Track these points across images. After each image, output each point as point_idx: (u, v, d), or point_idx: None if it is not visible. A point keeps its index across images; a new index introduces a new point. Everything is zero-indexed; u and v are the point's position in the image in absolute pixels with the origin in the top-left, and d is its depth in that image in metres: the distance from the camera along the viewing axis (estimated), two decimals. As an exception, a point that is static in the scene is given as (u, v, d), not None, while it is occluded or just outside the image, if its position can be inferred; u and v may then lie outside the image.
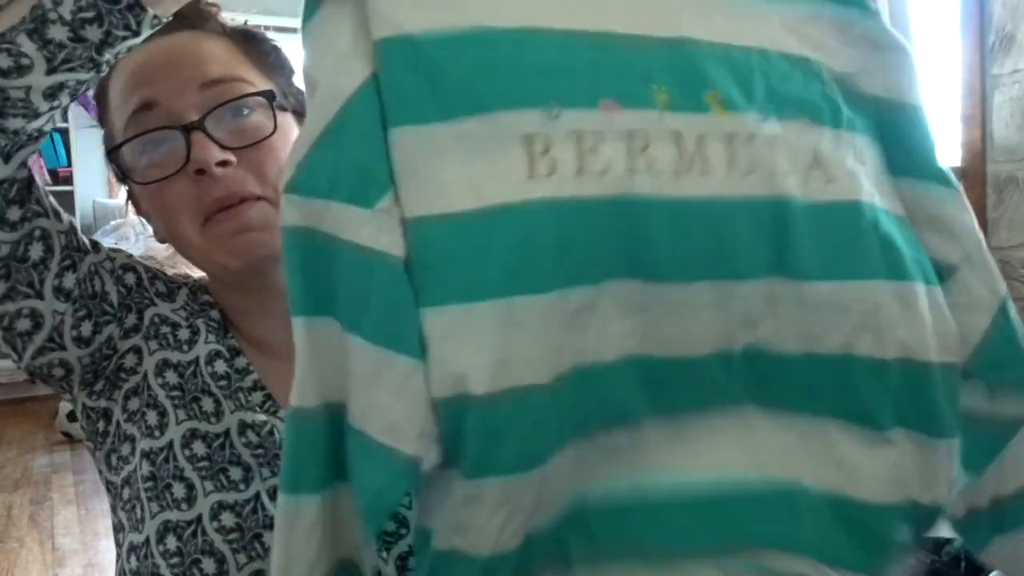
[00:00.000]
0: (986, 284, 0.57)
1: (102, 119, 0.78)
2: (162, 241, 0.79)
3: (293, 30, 0.51)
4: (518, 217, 0.46)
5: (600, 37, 0.51)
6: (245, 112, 0.72)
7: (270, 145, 0.71)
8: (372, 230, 0.46)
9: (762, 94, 0.53)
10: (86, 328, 0.70)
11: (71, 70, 0.54)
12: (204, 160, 0.68)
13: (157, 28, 0.58)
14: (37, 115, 0.57)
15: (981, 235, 0.58)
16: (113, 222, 3.78)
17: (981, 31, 2.92)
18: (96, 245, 0.74)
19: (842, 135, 0.55)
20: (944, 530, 0.62)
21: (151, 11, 0.54)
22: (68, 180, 3.96)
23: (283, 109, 0.75)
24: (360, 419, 0.46)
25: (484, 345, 0.45)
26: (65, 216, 0.70)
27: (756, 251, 0.51)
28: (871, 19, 0.59)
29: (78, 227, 0.72)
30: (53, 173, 3.96)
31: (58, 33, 0.52)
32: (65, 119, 3.91)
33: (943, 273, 0.56)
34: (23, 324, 0.67)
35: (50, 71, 0.53)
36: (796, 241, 0.51)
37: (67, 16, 0.51)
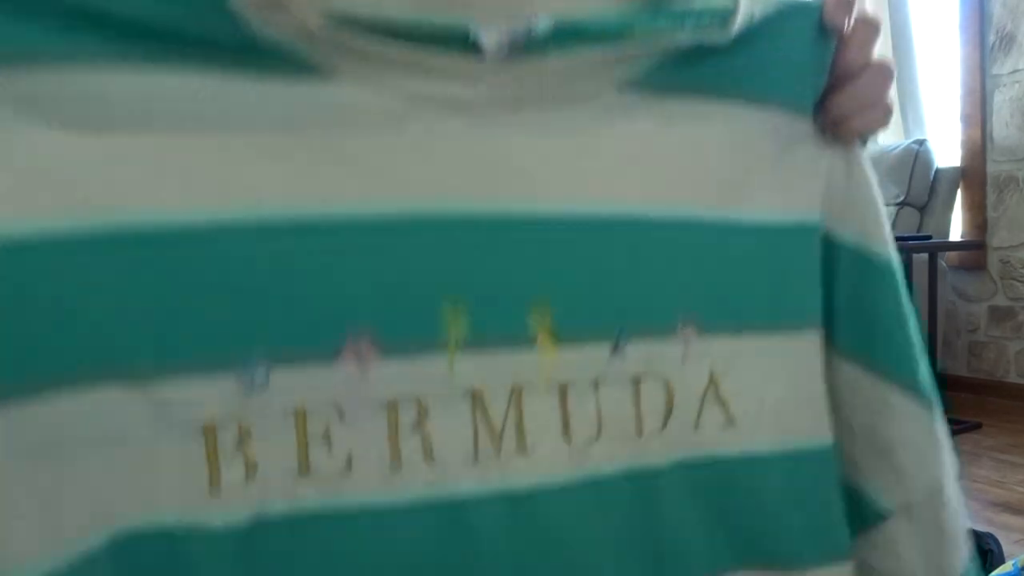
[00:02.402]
0: (924, 552, 0.39)
1: None
2: None
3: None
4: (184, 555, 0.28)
5: (352, 222, 0.30)
6: None
7: None
8: None
9: (624, 295, 0.34)
10: None
11: None
12: None
13: None
14: None
15: (945, 483, 0.40)
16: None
17: (981, 31, 2.91)
18: None
19: (754, 342, 0.37)
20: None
21: None
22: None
23: None
24: None
25: None
26: None
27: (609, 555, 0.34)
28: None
29: None
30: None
31: None
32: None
33: (866, 515, 0.40)
34: None
35: None
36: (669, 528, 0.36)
37: None
